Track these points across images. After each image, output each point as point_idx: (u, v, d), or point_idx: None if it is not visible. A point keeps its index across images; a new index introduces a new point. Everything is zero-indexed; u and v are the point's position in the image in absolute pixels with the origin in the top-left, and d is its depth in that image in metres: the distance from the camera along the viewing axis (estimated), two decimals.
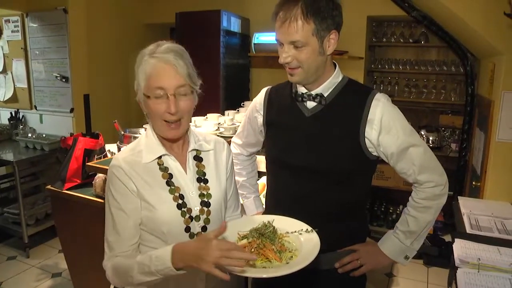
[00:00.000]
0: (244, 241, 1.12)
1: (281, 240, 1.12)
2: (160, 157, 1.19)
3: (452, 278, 2.38)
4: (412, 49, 4.03)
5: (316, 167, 1.32)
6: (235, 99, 3.70)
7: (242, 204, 1.72)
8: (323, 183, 1.32)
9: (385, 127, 1.28)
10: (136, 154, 1.19)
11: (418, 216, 1.37)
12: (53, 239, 3.61)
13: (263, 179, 2.39)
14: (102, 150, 2.57)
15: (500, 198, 2.37)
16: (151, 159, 1.17)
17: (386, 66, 4.02)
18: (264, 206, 1.73)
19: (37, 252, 3.48)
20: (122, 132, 2.41)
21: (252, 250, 1.06)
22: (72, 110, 3.82)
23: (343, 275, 1.42)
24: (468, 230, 1.98)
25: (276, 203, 1.47)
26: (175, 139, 1.18)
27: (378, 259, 1.42)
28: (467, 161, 3.40)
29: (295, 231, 1.17)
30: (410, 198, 1.40)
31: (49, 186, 2.43)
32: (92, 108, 3.98)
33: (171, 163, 1.20)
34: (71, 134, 2.76)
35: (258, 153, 1.73)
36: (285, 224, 1.19)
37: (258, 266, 1.03)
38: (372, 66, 4.09)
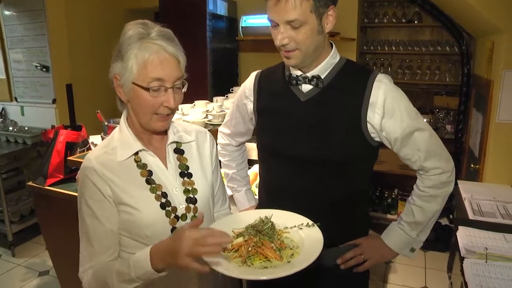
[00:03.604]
0: (240, 239, 1.03)
1: (280, 237, 1.04)
2: (136, 153, 1.08)
3: (452, 264, 2.33)
4: (405, 30, 3.92)
5: (314, 156, 1.23)
6: (223, 85, 3.60)
7: (233, 198, 1.64)
8: (322, 173, 1.24)
9: (388, 111, 1.19)
10: (109, 152, 1.08)
11: (424, 206, 1.28)
12: (39, 235, 3.47)
13: (255, 168, 2.34)
14: (85, 142, 2.44)
15: (501, 181, 2.29)
16: (127, 156, 1.07)
17: (379, 48, 3.91)
18: (257, 199, 1.64)
19: (23, 250, 3.36)
20: (106, 123, 2.32)
21: (250, 248, 0.98)
22: (54, 101, 3.65)
23: (346, 271, 1.33)
24: (471, 216, 1.90)
25: (270, 196, 1.38)
26: (162, 130, 1.09)
27: (383, 253, 1.35)
28: (464, 143, 3.32)
29: (295, 226, 1.08)
30: (414, 187, 1.31)
31: (30, 183, 2.31)
32: (76, 98, 3.78)
33: (150, 158, 1.10)
34: (53, 127, 2.61)
35: (248, 140, 1.64)
36: (283, 218, 1.10)
37: (257, 267, 0.94)
38: (364, 48, 3.98)
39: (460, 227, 1.74)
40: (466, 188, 2.19)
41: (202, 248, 0.87)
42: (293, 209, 1.15)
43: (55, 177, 2.29)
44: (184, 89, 1.08)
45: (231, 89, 3.15)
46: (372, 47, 3.95)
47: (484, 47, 2.72)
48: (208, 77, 3.68)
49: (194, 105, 2.71)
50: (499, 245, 1.59)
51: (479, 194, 2.13)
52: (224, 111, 2.57)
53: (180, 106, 2.61)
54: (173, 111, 1.05)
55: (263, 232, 1.02)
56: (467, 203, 2.04)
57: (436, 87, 3.79)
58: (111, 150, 1.08)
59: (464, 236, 1.68)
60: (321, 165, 1.23)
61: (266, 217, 1.08)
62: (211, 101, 2.90)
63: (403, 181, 3.77)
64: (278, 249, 0.99)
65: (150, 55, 0.98)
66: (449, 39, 3.63)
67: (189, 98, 2.76)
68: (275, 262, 0.96)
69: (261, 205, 1.48)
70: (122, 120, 1.11)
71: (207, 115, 2.47)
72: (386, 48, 3.88)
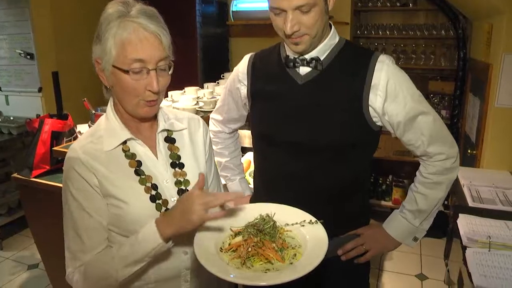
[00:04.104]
0: (239, 238, 0.96)
1: (281, 235, 0.98)
2: (124, 142, 1.02)
3: (449, 251, 2.29)
4: (399, 13, 3.84)
5: (312, 142, 1.18)
6: (214, 71, 3.50)
7: (226, 188, 1.58)
8: (321, 160, 1.19)
9: (391, 93, 1.14)
10: (95, 141, 1.01)
11: (428, 193, 1.24)
12: (28, 228, 3.37)
13: (247, 156, 2.30)
14: (72, 132, 2.36)
15: (499, 167, 2.25)
16: (114, 146, 1.00)
17: (373, 32, 3.84)
18: (251, 188, 1.58)
19: (11, 243, 3.27)
20: (93, 111, 2.26)
21: (249, 249, 0.91)
22: (40, 90, 3.53)
23: (347, 262, 1.29)
24: (470, 203, 1.86)
25: (266, 185, 1.33)
26: (148, 117, 1.02)
27: (384, 243, 1.31)
28: (459, 128, 3.28)
29: (297, 223, 1.01)
30: (417, 174, 1.27)
31: (15, 174, 2.22)
32: (63, 86, 3.66)
33: (139, 148, 1.03)
34: (38, 116, 2.52)
35: (241, 128, 1.59)
36: (283, 214, 1.03)
37: (258, 269, 0.88)
38: (358, 32, 3.90)
39: (460, 215, 1.70)
40: (465, 174, 2.15)
41: (214, 199, 0.89)
42: (291, 199, 1.10)
43: (41, 168, 2.22)
44: (170, 71, 1.00)
45: (222, 75, 3.09)
46: (366, 32, 3.87)
47: (481, 30, 2.65)
48: (198, 63, 3.60)
49: (184, 91, 2.65)
50: (501, 233, 1.55)
51: (477, 180, 2.09)
52: (215, 97, 2.52)
53: (170, 93, 2.57)
54: (159, 95, 0.97)
55: (264, 232, 0.95)
56: (466, 189, 2.00)
57: (431, 72, 3.73)
58: (97, 139, 1.01)
59: (465, 224, 1.63)
60: (320, 151, 1.18)
61: (267, 215, 1.01)
62: (202, 87, 2.85)
63: (397, 167, 3.74)
64: (279, 249, 0.93)
65: (128, 34, 0.90)
66: (444, 23, 3.56)
67: (179, 85, 2.72)
68: (276, 263, 0.89)
69: (256, 195, 1.43)
70: (109, 107, 1.04)
71: (197, 101, 2.42)
72: (380, 32, 3.80)
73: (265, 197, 1.22)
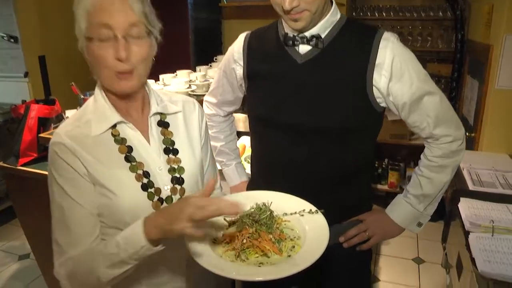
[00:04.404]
0: (233, 229, 0.92)
1: (279, 226, 0.93)
2: (114, 126, 0.95)
3: (447, 234, 2.27)
4: None
5: (313, 124, 1.13)
6: (206, 54, 3.42)
7: (222, 173, 1.53)
8: (322, 143, 1.15)
9: (397, 73, 1.09)
10: (83, 126, 0.94)
11: (433, 177, 1.20)
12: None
13: (242, 140, 2.25)
14: (60, 117, 2.29)
15: (498, 150, 2.22)
16: (103, 130, 0.94)
17: (369, 14, 3.77)
18: (248, 174, 1.54)
19: (1, 233, 3.20)
20: (82, 96, 2.17)
21: (244, 241, 0.87)
22: (26, 75, 3.42)
23: (349, 250, 1.26)
24: (471, 186, 1.83)
25: (264, 171, 1.29)
26: (127, 93, 0.94)
27: (388, 229, 1.28)
28: (457, 111, 3.24)
29: (295, 213, 0.97)
30: (422, 157, 1.23)
31: (1, 163, 2.15)
32: (50, 71, 3.55)
33: (129, 132, 0.97)
34: (23, 102, 2.43)
35: (235, 111, 1.54)
36: (281, 202, 0.98)
37: (252, 262, 0.84)
38: (354, 14, 3.82)
39: (461, 199, 1.66)
40: (464, 157, 2.10)
41: (202, 212, 0.77)
42: (290, 185, 1.06)
43: (28, 156, 2.15)
44: (154, 43, 0.93)
45: (214, 58, 3.03)
46: (361, 13, 3.80)
47: (480, 11, 2.59)
48: (190, 46, 3.54)
49: (176, 75, 2.59)
50: (504, 217, 1.52)
51: (477, 163, 2.05)
52: (208, 80, 2.47)
53: (161, 77, 2.52)
54: (132, 66, 0.88)
55: (260, 222, 0.90)
56: (466, 172, 1.96)
57: (428, 54, 3.67)
58: (85, 123, 0.94)
59: (467, 208, 1.60)
60: (321, 135, 1.14)
61: (264, 204, 0.95)
62: (194, 70, 2.79)
63: (393, 150, 3.71)
64: (277, 241, 0.88)
65: (93, 0, 0.85)
66: (441, 4, 3.49)
67: (170, 68, 2.64)
68: (273, 256, 0.85)
69: (253, 181, 1.39)
70: (97, 88, 0.97)
71: (190, 85, 2.36)
72: (376, 14, 3.73)
73: (263, 184, 1.20)
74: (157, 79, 2.50)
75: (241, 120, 2.54)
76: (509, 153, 2.19)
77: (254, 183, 1.37)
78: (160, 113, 1.02)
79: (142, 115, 1.00)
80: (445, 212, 2.49)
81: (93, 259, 0.88)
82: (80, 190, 0.91)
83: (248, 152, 2.16)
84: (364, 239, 1.26)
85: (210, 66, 2.85)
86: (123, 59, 0.85)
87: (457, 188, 1.86)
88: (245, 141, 2.29)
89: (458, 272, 1.69)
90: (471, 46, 2.99)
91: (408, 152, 3.62)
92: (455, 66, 3.22)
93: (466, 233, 1.44)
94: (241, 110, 2.92)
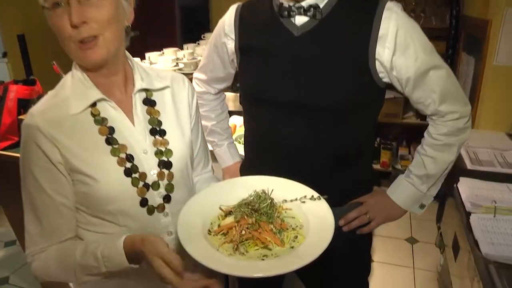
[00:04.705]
0: (230, 219, 0.87)
1: (279, 215, 0.88)
2: (94, 105, 0.87)
3: (441, 214, 2.24)
4: None
5: (311, 102, 1.07)
6: (193, 32, 3.31)
7: (213, 154, 1.45)
8: (321, 122, 1.09)
9: (401, 45, 1.02)
10: (59, 104, 0.85)
11: (437, 156, 1.15)
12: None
13: (232, 119, 2.19)
14: (40, 98, 2.15)
15: (495, 128, 2.17)
16: (82, 108, 0.85)
17: None
18: (241, 155, 1.48)
19: None
20: (64, 76, 2.03)
21: (243, 232, 0.82)
22: (5, 55, 3.26)
23: (349, 234, 1.21)
24: (469, 165, 1.79)
25: (259, 152, 1.24)
26: (98, 65, 0.85)
27: (390, 211, 1.23)
28: None
29: (296, 199, 0.92)
30: (426, 135, 1.18)
31: None
32: (30, 50, 3.39)
33: (111, 111, 0.89)
34: (1, 83, 2.31)
35: (226, 89, 1.49)
36: (280, 188, 0.93)
37: (253, 255, 0.79)
38: None
39: (461, 179, 1.61)
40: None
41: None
42: (287, 167, 1.05)
43: (8, 139, 2.06)
44: (123, 6, 0.84)
45: (202, 35, 2.93)
46: None
47: None
48: (176, 24, 3.41)
49: (163, 53, 2.50)
50: (506, 197, 1.47)
51: (474, 141, 2.01)
52: (196, 58, 2.41)
53: (147, 55, 2.44)
54: (92, 32, 0.79)
55: (260, 211, 0.85)
56: (464, 151, 1.91)
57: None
58: (62, 102, 0.85)
59: (467, 188, 1.55)
60: (320, 112, 1.08)
61: (264, 192, 0.90)
62: (181, 49, 2.71)
63: (385, 129, 3.66)
64: (278, 231, 0.83)
65: None
66: None
67: (157, 46, 2.53)
68: (275, 248, 0.80)
69: (247, 164, 1.33)
70: (74, 63, 0.88)
71: (177, 63, 2.29)
72: None
73: (257, 166, 1.15)
74: (143, 58, 2.42)
75: (231, 99, 2.51)
76: (507, 131, 2.15)
77: (248, 165, 1.32)
78: (146, 90, 0.94)
79: (126, 93, 0.92)
80: (440, 192, 2.47)
81: (67, 262, 0.84)
82: (53, 181, 0.84)
83: (239, 132, 2.11)
84: (364, 222, 1.22)
85: (198, 44, 2.78)
86: (76, 25, 0.76)
87: (455, 167, 1.82)
88: (236, 120, 2.24)
89: (454, 253, 1.66)
90: (466, 22, 2.91)
91: (401, 131, 3.59)
92: (449, 43, 3.15)
93: (467, 214, 1.40)
94: (230, 89, 2.84)
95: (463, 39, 3.00)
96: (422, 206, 1.23)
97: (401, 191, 1.22)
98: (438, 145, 1.14)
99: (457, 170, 1.75)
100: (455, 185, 1.64)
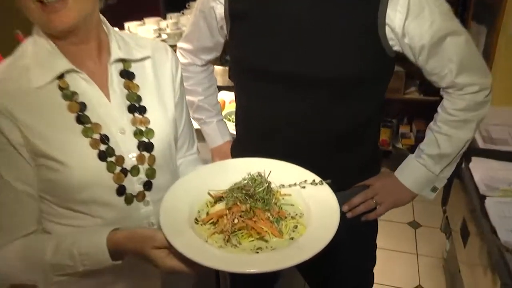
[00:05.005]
0: (221, 206, 0.83)
1: (277, 201, 0.84)
2: (61, 77, 0.80)
3: (447, 197, 2.22)
4: None
5: (313, 73, 1.04)
6: (177, 1, 3.25)
7: (201, 133, 1.48)
8: (323, 96, 1.06)
9: (415, 8, 0.98)
10: (17, 75, 0.78)
11: (453, 134, 1.12)
12: None
13: (220, 95, 2.15)
14: None
15: (509, 104, 2.12)
16: (47, 80, 0.79)
17: None
18: (232, 134, 1.47)
19: None
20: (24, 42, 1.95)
21: (235, 221, 0.77)
22: None
23: (354, 220, 1.19)
24: (481, 144, 1.77)
25: (252, 131, 1.22)
26: (65, 31, 0.77)
27: (399, 195, 1.22)
28: None
29: (295, 184, 0.88)
30: (440, 110, 1.14)
31: None
32: None
33: (82, 85, 0.82)
34: None
35: (214, 61, 1.46)
36: (278, 172, 0.89)
37: (246, 248, 0.75)
38: None
39: (473, 158, 1.59)
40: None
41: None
42: (285, 148, 1.03)
43: None
44: None
45: (187, 4, 2.88)
46: None
47: None
48: None
49: (143, 23, 2.47)
50: None
51: (487, 118, 1.94)
52: (180, 29, 2.38)
53: (127, 25, 2.43)
54: None
55: (255, 197, 0.81)
56: None
57: None
58: (21, 72, 0.78)
59: (480, 168, 1.53)
60: (322, 86, 1.05)
61: (259, 174, 0.86)
62: (164, 18, 2.67)
63: (385, 105, 3.60)
64: (275, 220, 0.80)
65: None
66: None
67: (136, 15, 2.44)
68: (272, 240, 0.76)
69: (239, 143, 1.31)
70: (36, 27, 0.81)
71: (160, 34, 2.23)
72: None
73: (250, 146, 1.14)
74: (121, 28, 2.37)
75: (219, 74, 2.50)
76: None
77: (240, 145, 1.30)
78: (123, 60, 0.88)
79: (100, 63, 0.85)
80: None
81: (34, 261, 0.80)
82: (13, 166, 0.79)
83: (229, 108, 2.11)
84: (371, 208, 1.20)
85: (183, 13, 2.73)
86: None
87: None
88: (224, 96, 2.24)
89: (463, 239, 1.65)
90: None
91: (402, 107, 3.56)
92: (457, 12, 3.09)
93: (481, 198, 1.37)
94: (218, 61, 2.78)
95: (472, 7, 2.94)
96: (434, 189, 1.20)
97: (411, 172, 1.19)
98: (454, 121, 1.10)
99: (470, 149, 1.72)
100: (462, 165, 1.62)
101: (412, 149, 3.33)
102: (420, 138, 3.41)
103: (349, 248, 1.20)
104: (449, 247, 2.16)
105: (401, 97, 3.40)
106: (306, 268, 1.33)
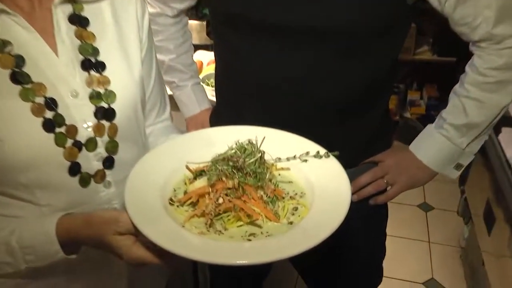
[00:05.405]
0: (201, 182, 0.82)
1: (272, 178, 0.84)
2: None
3: (466, 175, 2.25)
4: None
5: (314, 24, 1.02)
6: None
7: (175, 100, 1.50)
8: (328, 52, 1.06)
9: None
10: None
11: (486, 99, 1.10)
12: None
13: (197, 55, 2.23)
14: None
15: None
16: None
17: None
18: (212, 101, 1.48)
19: None
20: None
21: (220, 200, 0.77)
22: None
23: (361, 204, 1.19)
24: None
25: (237, 97, 1.22)
26: None
27: (415, 174, 1.20)
28: None
29: (295, 157, 0.89)
30: (469, 70, 1.12)
31: None
32: None
33: (19, 32, 0.79)
34: None
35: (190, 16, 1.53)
36: (273, 142, 0.88)
37: (234, 235, 0.75)
38: None
39: (503, 129, 1.61)
40: None
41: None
42: (280, 117, 1.01)
43: None
44: None
45: None
46: None
47: None
48: None
49: None
50: None
51: None
52: None
53: None
54: None
55: (245, 171, 0.79)
56: None
57: None
58: None
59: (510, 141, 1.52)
60: (327, 40, 1.04)
61: (250, 142, 0.84)
62: None
63: None
64: (270, 200, 0.79)
65: None
66: None
67: None
68: (266, 224, 0.76)
69: (219, 112, 1.34)
70: None
71: None
72: None
73: (235, 116, 1.16)
74: None
75: (195, 30, 2.57)
76: None
77: (221, 115, 1.30)
78: (73, 1, 0.85)
79: (40, 5, 0.82)
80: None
81: None
82: None
83: (208, 71, 2.12)
84: (381, 189, 1.21)
85: None
86: None
87: None
88: (201, 56, 2.27)
89: (487, 225, 1.68)
90: None
91: (411, 70, 3.61)
92: None
93: None
94: (194, 15, 2.74)
95: None
96: (458, 167, 1.19)
97: (430, 146, 1.18)
98: (487, 84, 1.08)
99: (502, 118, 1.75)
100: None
101: (422, 119, 3.43)
102: (432, 107, 3.48)
103: (357, 237, 1.23)
104: (468, 234, 2.19)
105: (411, 58, 3.44)
106: (303, 261, 1.35)
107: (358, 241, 1.25)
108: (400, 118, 3.52)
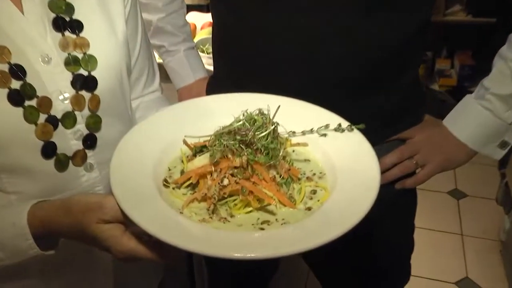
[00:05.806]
0: (203, 159, 0.82)
1: (286, 155, 0.85)
2: None
3: (508, 156, 2.26)
4: None
5: None
6: None
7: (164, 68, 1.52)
8: (350, 8, 1.04)
9: None
10: None
11: None
12: None
13: (191, 17, 2.25)
14: None
15: None
16: None
17: None
18: (209, 70, 1.50)
19: None
20: None
21: (225, 182, 0.76)
22: None
23: (385, 189, 1.18)
24: None
25: (242, 62, 1.21)
26: None
27: (450, 153, 1.21)
28: None
29: (312, 130, 0.89)
30: None
31: None
32: None
33: None
34: None
35: None
36: (286, 112, 0.86)
37: (241, 222, 0.75)
38: None
39: None
40: None
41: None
42: (289, 85, 1.02)
43: None
44: None
45: None
46: None
47: None
48: None
49: None
50: None
51: None
52: None
53: None
54: None
55: (255, 146, 0.78)
56: None
57: None
58: None
59: None
60: None
61: (261, 112, 0.82)
62: None
63: None
64: (285, 182, 0.79)
65: None
66: None
67: None
68: (280, 210, 0.76)
69: (217, 81, 1.34)
70: None
71: None
72: None
73: (235, 86, 1.12)
74: None
75: None
76: None
77: (219, 86, 1.28)
78: None
79: None
80: None
81: None
82: None
83: (202, 35, 2.14)
84: (409, 171, 1.21)
85: None
86: None
87: None
88: (195, 19, 2.29)
89: None
90: None
91: (440, 34, 3.59)
92: None
93: None
94: None
95: None
96: (503, 145, 1.18)
97: (469, 120, 1.18)
98: None
99: None
100: None
101: (453, 92, 3.43)
102: (465, 77, 3.50)
103: (380, 228, 1.22)
104: (509, 225, 2.20)
105: (440, 19, 3.43)
106: (315, 255, 1.36)
107: (381, 233, 1.25)
108: (427, 90, 3.52)
